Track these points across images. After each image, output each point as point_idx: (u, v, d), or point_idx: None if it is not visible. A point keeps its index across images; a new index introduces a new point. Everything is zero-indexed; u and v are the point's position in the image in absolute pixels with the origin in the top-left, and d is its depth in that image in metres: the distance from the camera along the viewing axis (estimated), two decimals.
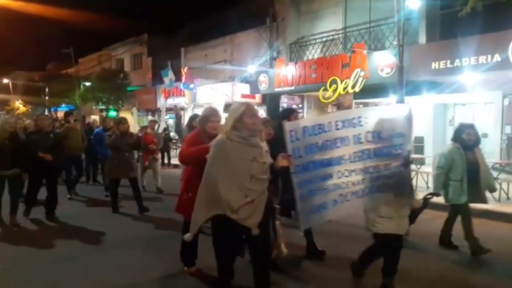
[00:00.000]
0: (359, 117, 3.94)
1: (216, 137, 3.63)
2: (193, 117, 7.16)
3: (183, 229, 4.32)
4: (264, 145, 3.64)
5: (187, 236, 3.71)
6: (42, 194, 7.47)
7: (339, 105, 15.54)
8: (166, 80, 20.73)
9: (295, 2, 16.82)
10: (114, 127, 8.17)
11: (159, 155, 11.31)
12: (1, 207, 6.88)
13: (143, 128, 10.96)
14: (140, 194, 8.03)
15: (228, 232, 3.53)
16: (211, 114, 4.35)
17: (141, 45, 27.90)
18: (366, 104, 15.45)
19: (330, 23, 15.51)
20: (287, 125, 3.76)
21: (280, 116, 5.38)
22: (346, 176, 3.95)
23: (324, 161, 3.87)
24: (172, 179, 10.80)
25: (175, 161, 15.32)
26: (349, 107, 15.18)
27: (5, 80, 42.64)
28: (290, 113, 5.41)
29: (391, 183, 3.97)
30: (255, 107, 3.63)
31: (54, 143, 7.42)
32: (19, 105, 41.15)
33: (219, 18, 21.62)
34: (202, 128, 4.34)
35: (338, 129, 3.89)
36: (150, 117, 22.34)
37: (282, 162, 3.63)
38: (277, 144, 4.04)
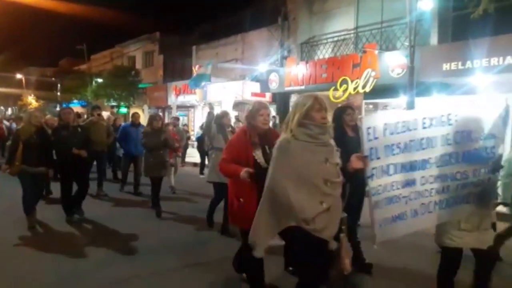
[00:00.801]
0: (448, 114, 3.40)
1: (280, 137, 3.15)
2: (222, 115, 6.48)
3: (243, 240, 3.88)
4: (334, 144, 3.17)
5: (257, 253, 3.19)
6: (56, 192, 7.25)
7: (349, 105, 15.54)
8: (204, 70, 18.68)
9: (307, 1, 16.85)
10: (148, 124, 7.78)
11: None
12: (35, 210, 6.52)
13: (165, 125, 10.79)
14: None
15: (310, 244, 2.99)
16: (259, 107, 3.90)
17: (153, 43, 28.13)
18: (376, 105, 15.47)
19: (342, 23, 15.53)
20: (365, 121, 3.25)
21: (337, 115, 4.78)
22: (431, 183, 3.41)
23: (406, 164, 3.35)
24: (188, 177, 10.80)
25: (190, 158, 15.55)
26: (359, 107, 15.20)
27: (18, 76, 43.28)
28: (343, 112, 4.79)
29: (478, 191, 3.45)
30: (323, 99, 3.16)
31: (83, 138, 6.99)
32: (31, 100, 41.74)
33: (231, 16, 21.79)
34: (250, 125, 3.89)
35: (425, 127, 3.36)
36: (172, 114, 22.37)
37: (356, 163, 3.17)
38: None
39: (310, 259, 3.02)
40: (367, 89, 12.80)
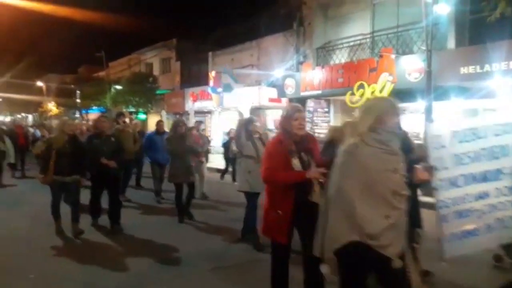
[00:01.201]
0: None
1: (347, 141, 2.90)
2: (248, 121, 6.20)
3: (273, 253, 3.73)
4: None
5: (324, 269, 2.97)
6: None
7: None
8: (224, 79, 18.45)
9: (322, 6, 16.92)
10: (172, 130, 7.74)
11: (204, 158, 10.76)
12: (60, 216, 6.48)
13: (188, 129, 10.54)
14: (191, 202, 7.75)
15: (362, 263, 2.76)
16: (293, 111, 3.64)
17: (170, 50, 28.48)
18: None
19: (358, 28, 15.55)
20: (431, 128, 3.10)
21: None
22: (505, 195, 3.14)
23: (477, 175, 3.08)
24: (212, 184, 10.77)
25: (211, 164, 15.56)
26: None
27: (39, 83, 44.24)
28: None
29: None
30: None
31: (116, 147, 6.92)
32: (52, 107, 42.59)
33: (246, 23, 21.94)
34: (284, 131, 3.64)
35: (497, 135, 3.12)
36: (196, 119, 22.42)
37: (422, 175, 2.98)
38: None
39: (362, 280, 2.80)
40: (384, 93, 12.77)
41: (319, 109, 17.45)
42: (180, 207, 7.53)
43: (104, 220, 6.97)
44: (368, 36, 15.08)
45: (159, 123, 9.93)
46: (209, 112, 23.45)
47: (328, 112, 17.61)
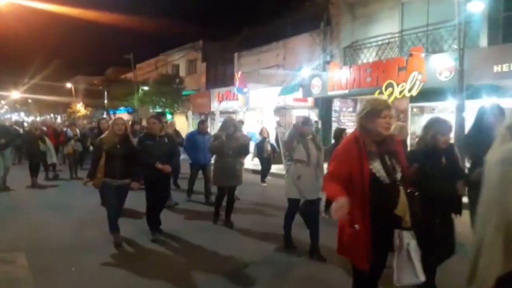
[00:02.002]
0: None
1: (501, 147, 2.38)
2: (303, 122, 5.57)
3: (355, 278, 3.15)
4: None
5: None
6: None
7: (395, 109, 15.36)
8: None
9: (350, 6, 16.85)
10: (221, 129, 7.16)
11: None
12: (118, 226, 5.96)
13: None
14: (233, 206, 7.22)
15: None
16: (381, 107, 3.06)
17: (196, 51, 28.80)
18: (422, 108, 15.21)
19: (386, 27, 15.41)
20: None
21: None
22: None
23: None
24: (251, 185, 10.47)
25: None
26: (404, 111, 14.99)
27: (68, 85, 45.37)
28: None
29: None
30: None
31: (170, 150, 6.44)
32: (80, 108, 43.57)
33: (272, 23, 22.02)
34: (364, 130, 3.07)
35: None
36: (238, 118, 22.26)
37: None
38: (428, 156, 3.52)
39: None
40: (414, 92, 12.62)
41: (345, 109, 17.38)
42: (218, 210, 7.16)
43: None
44: (397, 35, 14.93)
45: (204, 123, 9.56)
46: (234, 112, 23.60)
47: (354, 111, 17.52)
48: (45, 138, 11.09)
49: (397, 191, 2.97)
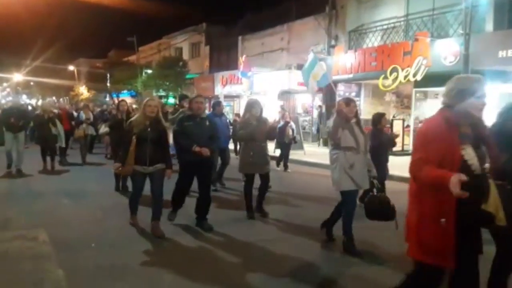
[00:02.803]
0: None
1: None
2: (344, 104, 4.98)
3: (421, 278, 2.75)
4: None
5: None
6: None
7: (398, 94, 15.46)
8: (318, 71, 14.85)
9: None
10: (246, 112, 6.50)
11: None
12: (137, 209, 5.70)
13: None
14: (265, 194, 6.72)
15: None
16: (479, 83, 2.70)
17: (200, 34, 28.75)
18: (425, 93, 15.30)
19: (391, 11, 15.41)
20: None
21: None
22: None
23: None
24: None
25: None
26: (408, 96, 15.09)
27: (71, 67, 45.33)
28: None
29: None
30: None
31: (211, 132, 5.84)
32: (83, 91, 43.61)
33: (276, 6, 21.95)
34: (457, 111, 2.63)
35: None
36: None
37: None
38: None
39: None
40: (418, 77, 12.70)
41: (349, 93, 17.44)
42: (249, 201, 6.40)
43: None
44: (402, 19, 14.93)
45: (219, 104, 8.73)
46: (238, 96, 23.66)
47: (358, 96, 17.59)
48: (55, 121, 10.47)
49: (487, 183, 2.56)
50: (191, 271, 4.31)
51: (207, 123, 5.83)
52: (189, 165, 5.71)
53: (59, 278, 4.04)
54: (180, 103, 8.97)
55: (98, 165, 11.64)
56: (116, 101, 34.19)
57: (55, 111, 11.63)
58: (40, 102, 31.08)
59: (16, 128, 9.72)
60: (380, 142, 6.76)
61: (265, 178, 6.50)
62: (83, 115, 12.63)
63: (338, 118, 4.94)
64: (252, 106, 6.41)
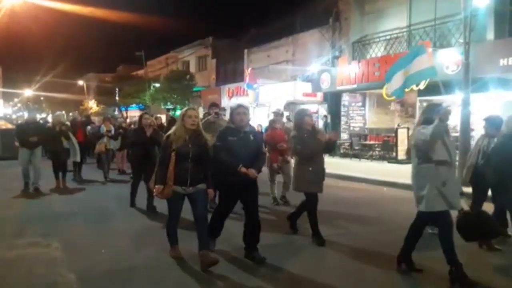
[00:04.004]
0: None
1: None
2: (444, 111, 4.00)
3: None
4: None
5: None
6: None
7: (403, 103, 15.61)
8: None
9: (359, 1, 17.08)
10: (297, 125, 5.70)
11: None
12: (177, 241, 4.87)
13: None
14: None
15: None
16: None
17: (206, 48, 29.20)
18: (430, 102, 15.42)
19: (394, 21, 15.64)
20: None
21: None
22: None
23: None
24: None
25: None
26: (413, 105, 15.23)
27: (80, 82, 46.07)
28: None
29: None
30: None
31: (257, 149, 4.98)
32: (92, 105, 44.20)
33: (282, 19, 22.36)
34: None
35: None
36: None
37: None
38: None
39: None
40: (421, 86, 12.83)
41: (354, 103, 17.64)
42: (316, 224, 5.53)
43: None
44: (405, 29, 15.15)
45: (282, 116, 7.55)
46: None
47: (363, 106, 17.77)
48: (69, 134, 9.75)
49: None
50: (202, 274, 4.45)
51: (251, 137, 4.91)
52: (232, 187, 4.80)
53: (71, 281, 4.24)
54: (208, 110, 7.91)
55: (117, 182, 10.77)
56: (125, 115, 34.88)
57: (67, 123, 11.01)
58: (50, 117, 31.59)
59: (33, 144, 9.20)
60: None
61: (315, 199, 5.59)
62: (103, 128, 11.50)
63: (440, 125, 3.97)
64: (303, 116, 5.58)
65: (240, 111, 4.82)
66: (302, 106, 20.99)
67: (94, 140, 11.44)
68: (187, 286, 4.19)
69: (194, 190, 4.63)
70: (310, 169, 5.47)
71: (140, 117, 7.75)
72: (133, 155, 7.84)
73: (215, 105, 7.74)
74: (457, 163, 10.07)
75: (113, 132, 11.50)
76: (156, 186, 4.63)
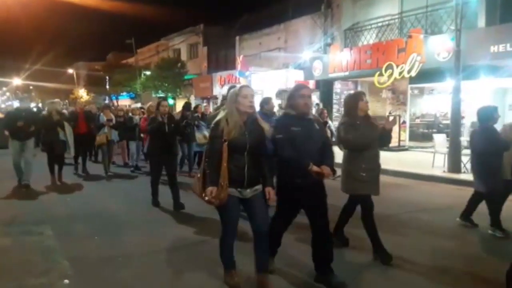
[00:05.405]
0: None
1: None
2: None
3: None
4: None
5: None
6: None
7: (394, 90, 15.66)
8: None
9: None
10: (350, 111, 4.52)
11: None
12: (235, 262, 3.80)
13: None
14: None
15: None
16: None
17: (197, 35, 28.97)
18: (421, 89, 15.51)
19: (386, 8, 15.61)
20: None
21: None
22: None
23: None
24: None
25: None
26: (404, 93, 15.29)
27: (70, 71, 45.57)
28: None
29: None
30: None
31: (325, 142, 3.96)
32: (82, 94, 43.83)
33: (273, 6, 22.17)
34: None
35: None
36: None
37: None
38: None
39: None
40: (413, 73, 12.90)
41: (346, 91, 17.66)
42: (378, 238, 4.44)
43: None
44: (397, 16, 15.14)
45: (269, 101, 6.29)
46: None
47: None
48: (64, 124, 8.86)
49: None
50: (195, 259, 4.48)
51: (317, 126, 3.92)
52: (297, 191, 3.76)
53: (65, 267, 4.26)
54: (223, 100, 6.44)
55: (122, 177, 9.98)
56: (116, 104, 34.64)
57: (65, 111, 10.02)
58: (40, 106, 31.22)
59: (24, 134, 8.25)
60: None
61: (369, 201, 4.49)
62: (103, 117, 10.41)
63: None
64: (356, 100, 4.49)
65: (305, 93, 3.83)
66: None
67: (95, 132, 10.29)
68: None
69: (252, 193, 3.59)
70: (363, 166, 4.39)
71: (158, 104, 6.89)
72: (152, 147, 6.89)
73: (233, 87, 6.00)
74: (447, 149, 10.18)
75: (114, 121, 10.45)
76: (209, 189, 3.46)
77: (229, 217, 3.60)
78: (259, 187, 3.63)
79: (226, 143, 3.46)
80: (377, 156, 4.52)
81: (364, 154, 4.40)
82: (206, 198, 3.48)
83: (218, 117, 3.64)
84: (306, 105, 3.79)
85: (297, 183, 3.70)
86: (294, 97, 3.84)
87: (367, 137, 4.37)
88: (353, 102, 4.48)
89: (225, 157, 3.45)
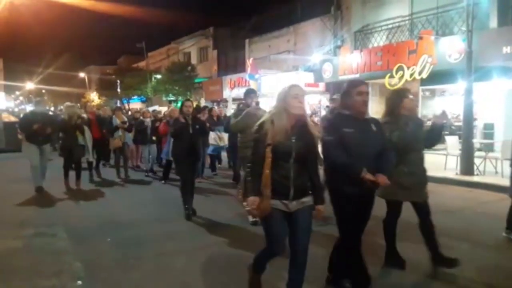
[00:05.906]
0: None
1: None
2: None
3: None
4: None
5: None
6: None
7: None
8: None
9: None
10: (391, 109, 4.08)
11: None
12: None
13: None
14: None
15: None
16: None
17: (207, 38, 29.10)
18: (433, 91, 15.38)
19: (396, 10, 15.54)
20: None
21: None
22: None
23: None
24: None
25: None
26: (415, 94, 15.17)
27: (81, 75, 46.07)
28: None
29: None
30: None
31: (383, 146, 3.51)
32: (94, 97, 44.22)
33: (282, 8, 22.19)
34: None
35: None
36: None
37: None
38: None
39: None
40: (424, 75, 12.81)
41: None
42: (394, 247, 4.25)
43: None
44: (407, 18, 15.05)
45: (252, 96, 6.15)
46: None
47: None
48: (84, 129, 8.57)
49: None
50: (204, 262, 4.48)
51: (374, 128, 3.48)
52: (349, 202, 3.39)
53: (77, 269, 4.29)
54: (245, 99, 6.20)
55: (136, 184, 9.67)
56: (127, 107, 34.88)
57: (84, 115, 9.77)
58: (53, 109, 31.62)
59: (42, 139, 8.02)
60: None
61: (424, 208, 4.12)
62: (116, 120, 10.09)
63: None
64: (401, 98, 4.05)
65: (362, 90, 3.40)
66: (306, 96, 20.86)
67: (108, 136, 10.03)
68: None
69: (298, 205, 3.14)
70: (406, 169, 3.95)
71: (182, 104, 6.56)
72: (177, 149, 6.57)
73: (253, 92, 6.17)
74: (459, 151, 10.06)
75: (127, 124, 10.23)
76: (250, 199, 3.10)
77: (271, 234, 3.15)
78: (307, 199, 3.19)
79: (270, 147, 3.07)
80: (421, 160, 4.09)
81: (406, 157, 3.95)
82: (247, 208, 3.07)
83: (262, 118, 3.24)
84: (364, 104, 3.38)
85: (345, 192, 3.34)
86: (351, 94, 3.40)
87: (411, 138, 3.96)
88: (397, 100, 4.04)
89: (268, 163, 3.06)
